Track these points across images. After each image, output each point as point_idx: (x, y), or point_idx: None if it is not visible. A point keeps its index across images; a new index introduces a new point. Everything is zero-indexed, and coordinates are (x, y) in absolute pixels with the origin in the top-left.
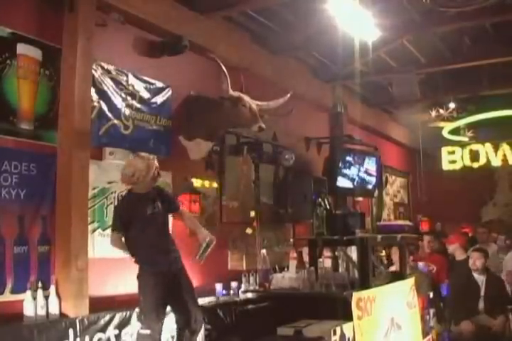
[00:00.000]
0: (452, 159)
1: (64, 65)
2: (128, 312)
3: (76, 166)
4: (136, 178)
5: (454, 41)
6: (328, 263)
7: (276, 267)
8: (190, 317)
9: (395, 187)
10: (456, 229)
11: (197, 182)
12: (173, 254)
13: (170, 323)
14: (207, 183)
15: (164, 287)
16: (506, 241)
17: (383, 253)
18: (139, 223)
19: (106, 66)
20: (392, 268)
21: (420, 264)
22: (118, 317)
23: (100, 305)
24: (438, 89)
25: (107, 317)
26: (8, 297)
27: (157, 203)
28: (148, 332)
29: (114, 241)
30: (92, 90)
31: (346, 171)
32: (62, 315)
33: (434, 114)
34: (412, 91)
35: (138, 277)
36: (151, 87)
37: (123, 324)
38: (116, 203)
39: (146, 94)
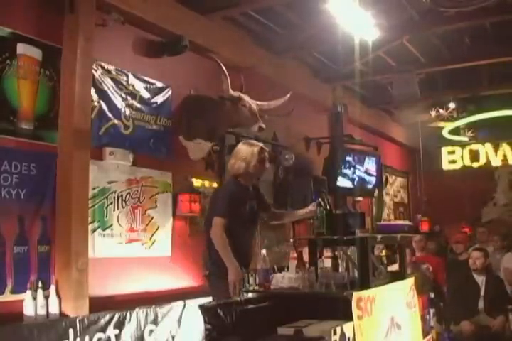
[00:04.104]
0: (452, 159)
1: (64, 64)
2: (128, 312)
3: (76, 166)
4: (237, 169)
5: (453, 41)
6: (328, 263)
7: (276, 267)
8: None
9: (395, 187)
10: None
11: (197, 182)
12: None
13: (170, 324)
14: (207, 183)
15: None
16: (504, 241)
17: (383, 253)
18: (241, 218)
19: (106, 66)
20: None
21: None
22: (118, 317)
23: (100, 305)
24: (438, 89)
25: (107, 317)
26: (8, 297)
27: (255, 201)
28: None
29: (219, 228)
30: (92, 90)
31: (346, 171)
32: (62, 314)
33: (434, 114)
34: (412, 91)
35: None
36: (151, 87)
37: (123, 324)
38: (224, 189)
39: (146, 94)
